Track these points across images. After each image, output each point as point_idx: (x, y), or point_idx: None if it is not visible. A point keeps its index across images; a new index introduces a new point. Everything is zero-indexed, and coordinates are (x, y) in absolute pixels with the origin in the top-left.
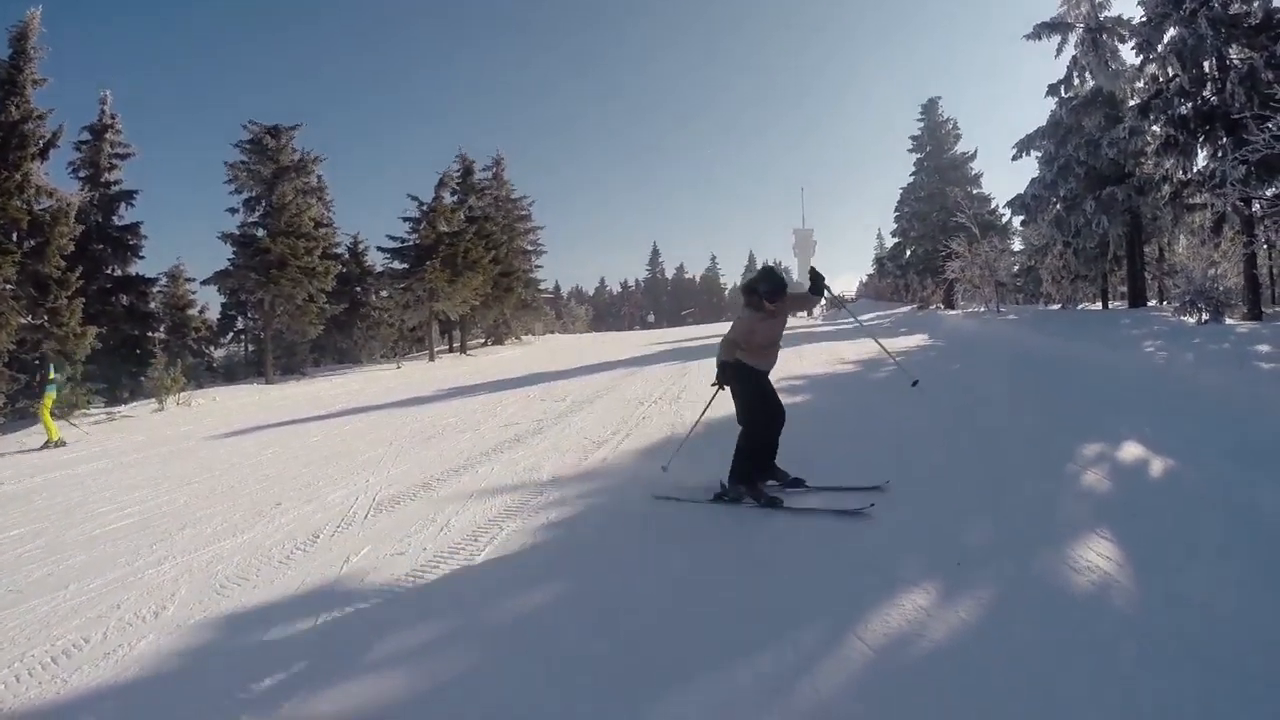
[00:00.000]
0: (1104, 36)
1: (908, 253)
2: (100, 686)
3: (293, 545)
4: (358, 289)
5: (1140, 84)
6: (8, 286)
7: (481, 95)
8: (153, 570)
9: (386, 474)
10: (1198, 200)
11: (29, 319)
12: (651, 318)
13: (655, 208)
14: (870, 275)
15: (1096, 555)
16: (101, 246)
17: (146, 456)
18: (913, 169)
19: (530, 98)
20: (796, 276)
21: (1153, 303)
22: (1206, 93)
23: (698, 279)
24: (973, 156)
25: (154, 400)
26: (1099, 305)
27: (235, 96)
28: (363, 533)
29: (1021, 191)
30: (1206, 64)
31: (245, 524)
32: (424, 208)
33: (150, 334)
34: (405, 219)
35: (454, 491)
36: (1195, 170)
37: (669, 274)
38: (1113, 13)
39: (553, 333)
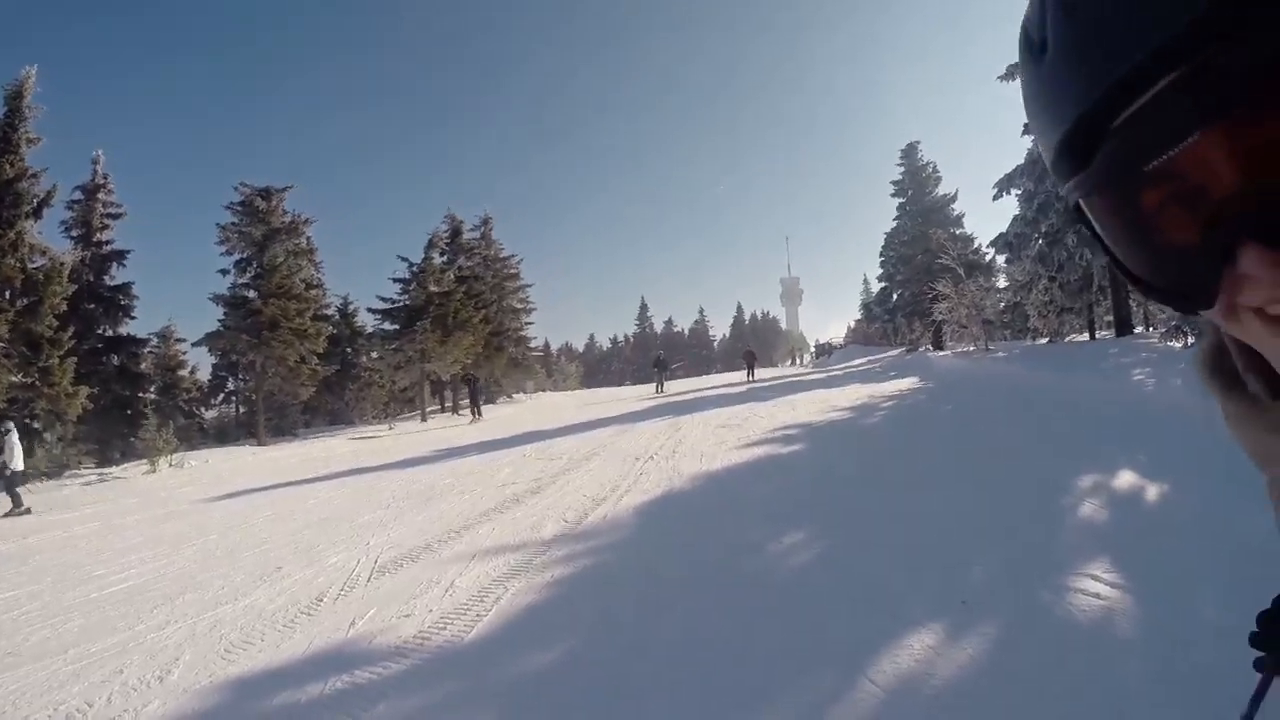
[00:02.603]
0: None
1: (894, 296)
2: None
3: (297, 609)
4: (348, 350)
5: None
6: (0, 344)
7: (468, 157)
8: (155, 634)
9: (387, 536)
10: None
11: (21, 377)
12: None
13: (643, 263)
14: (858, 320)
15: (1102, 585)
16: (93, 306)
17: (140, 519)
18: (895, 214)
19: (518, 157)
20: (785, 325)
21: (1139, 329)
22: None
23: (686, 332)
24: (954, 198)
25: (145, 461)
26: (1086, 336)
27: (225, 158)
28: (367, 595)
29: (1004, 230)
30: None
31: (247, 588)
32: (414, 268)
33: (141, 394)
34: (395, 279)
35: (456, 553)
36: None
37: (658, 328)
38: None
39: (544, 391)
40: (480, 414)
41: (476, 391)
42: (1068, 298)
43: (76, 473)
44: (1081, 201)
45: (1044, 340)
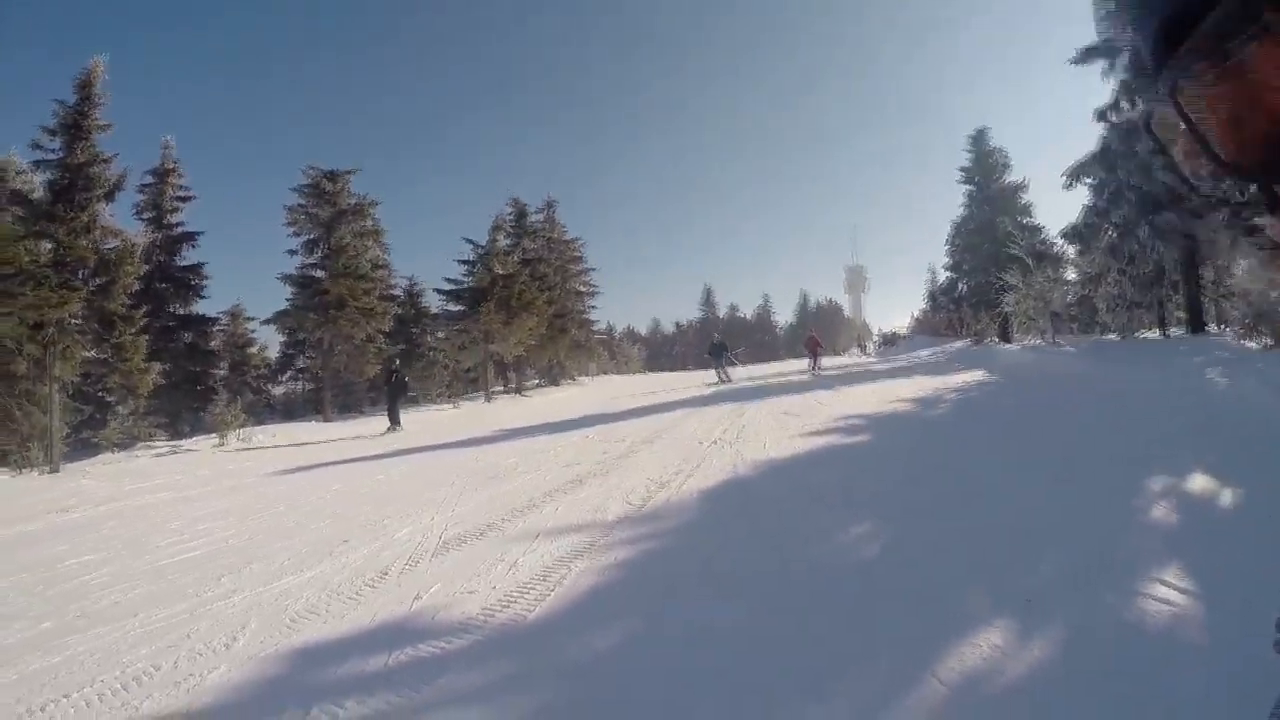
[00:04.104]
0: None
1: (960, 286)
2: (173, 715)
3: (362, 582)
4: (414, 330)
5: None
6: (74, 321)
7: (534, 141)
8: (222, 602)
9: (451, 513)
10: (1261, 221)
11: (94, 353)
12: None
13: (708, 249)
14: (923, 310)
15: (1168, 589)
16: (165, 285)
17: (210, 490)
18: (963, 201)
19: (585, 140)
20: (849, 313)
21: (1211, 327)
22: None
23: (751, 318)
24: (1024, 187)
25: (215, 435)
26: (1157, 333)
27: (292, 138)
28: (431, 570)
29: (1075, 220)
30: None
31: (313, 560)
32: (479, 250)
33: (211, 371)
34: (461, 261)
35: (520, 531)
36: (1253, 189)
37: (722, 314)
38: None
39: (607, 374)
40: (399, 424)
41: (396, 391)
42: (1138, 291)
43: (149, 445)
44: (1179, 82)
45: (1113, 335)
